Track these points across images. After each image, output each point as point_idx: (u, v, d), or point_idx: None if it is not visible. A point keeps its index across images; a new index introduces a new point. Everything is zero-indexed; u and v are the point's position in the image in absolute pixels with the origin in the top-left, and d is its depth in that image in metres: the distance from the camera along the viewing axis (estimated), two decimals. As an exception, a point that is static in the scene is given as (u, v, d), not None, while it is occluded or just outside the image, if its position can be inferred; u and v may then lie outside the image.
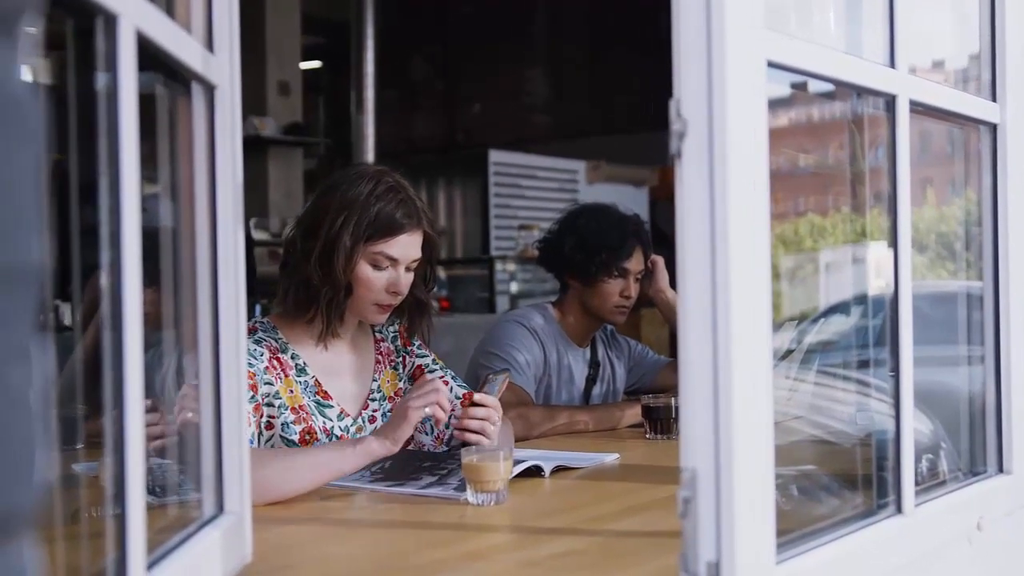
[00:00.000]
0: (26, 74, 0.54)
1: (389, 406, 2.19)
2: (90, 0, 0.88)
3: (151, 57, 1.04)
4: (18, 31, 0.53)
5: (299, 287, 2.07)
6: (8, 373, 0.51)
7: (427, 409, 1.86)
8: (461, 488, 1.80)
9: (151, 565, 1.02)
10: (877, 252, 1.72)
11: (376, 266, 2.06)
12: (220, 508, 1.29)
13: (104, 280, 0.95)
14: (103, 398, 0.96)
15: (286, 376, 2.06)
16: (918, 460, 1.50)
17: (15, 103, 0.52)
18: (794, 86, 1.35)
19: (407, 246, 2.07)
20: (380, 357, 2.24)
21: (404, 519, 1.72)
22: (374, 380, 2.20)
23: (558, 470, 2.06)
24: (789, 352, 1.82)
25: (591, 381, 2.98)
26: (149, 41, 1.02)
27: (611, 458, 2.23)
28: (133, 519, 0.95)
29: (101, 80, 0.95)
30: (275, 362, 2.05)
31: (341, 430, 2.10)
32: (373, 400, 2.19)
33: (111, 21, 0.93)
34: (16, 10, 0.53)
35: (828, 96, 1.61)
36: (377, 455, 1.87)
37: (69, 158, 0.95)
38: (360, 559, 1.51)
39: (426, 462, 2.03)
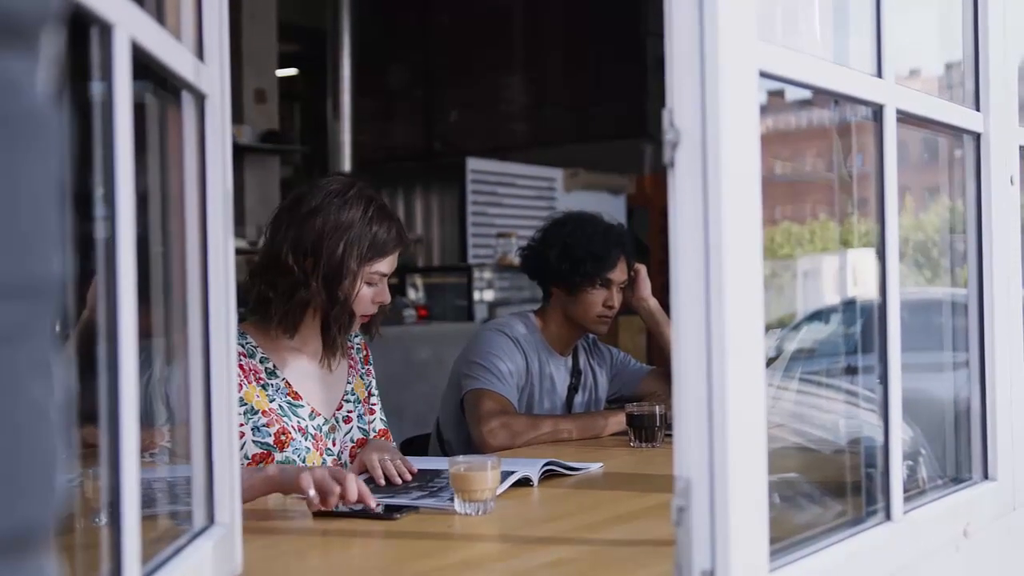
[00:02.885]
0: (45, 86, 0.54)
1: (362, 408, 2.29)
2: (86, 9, 0.87)
3: (142, 66, 1.04)
4: (38, 44, 0.53)
5: (294, 305, 2.10)
6: (31, 387, 0.51)
7: (311, 492, 1.70)
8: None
9: (144, 578, 1.01)
10: (856, 259, 1.73)
11: (370, 283, 2.16)
12: (211, 519, 1.28)
13: (96, 290, 0.95)
14: (87, 408, 0.95)
15: (256, 379, 2.11)
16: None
17: (37, 116, 0.52)
18: (771, 93, 1.35)
19: (395, 261, 2.20)
20: (352, 362, 2.31)
21: (393, 529, 1.71)
22: (348, 382, 2.28)
23: (547, 476, 2.06)
24: (771, 360, 1.83)
25: (573, 390, 2.97)
26: (142, 50, 1.01)
27: (595, 467, 2.23)
28: (128, 532, 0.94)
29: (95, 88, 0.94)
30: (238, 368, 2.05)
31: (315, 428, 2.16)
32: (348, 401, 2.27)
33: (106, 30, 0.92)
34: (37, 23, 0.52)
35: (806, 104, 1.61)
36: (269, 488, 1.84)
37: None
38: (350, 570, 1.50)
39: (414, 481, 2.01)
